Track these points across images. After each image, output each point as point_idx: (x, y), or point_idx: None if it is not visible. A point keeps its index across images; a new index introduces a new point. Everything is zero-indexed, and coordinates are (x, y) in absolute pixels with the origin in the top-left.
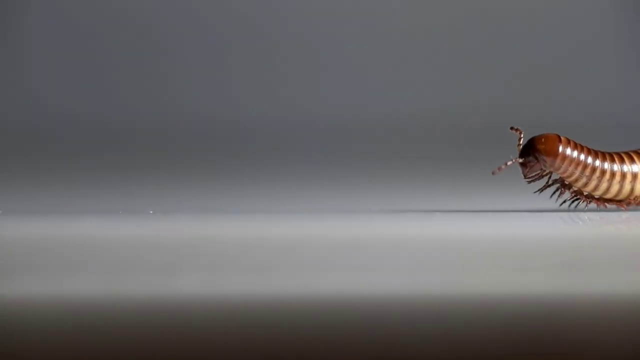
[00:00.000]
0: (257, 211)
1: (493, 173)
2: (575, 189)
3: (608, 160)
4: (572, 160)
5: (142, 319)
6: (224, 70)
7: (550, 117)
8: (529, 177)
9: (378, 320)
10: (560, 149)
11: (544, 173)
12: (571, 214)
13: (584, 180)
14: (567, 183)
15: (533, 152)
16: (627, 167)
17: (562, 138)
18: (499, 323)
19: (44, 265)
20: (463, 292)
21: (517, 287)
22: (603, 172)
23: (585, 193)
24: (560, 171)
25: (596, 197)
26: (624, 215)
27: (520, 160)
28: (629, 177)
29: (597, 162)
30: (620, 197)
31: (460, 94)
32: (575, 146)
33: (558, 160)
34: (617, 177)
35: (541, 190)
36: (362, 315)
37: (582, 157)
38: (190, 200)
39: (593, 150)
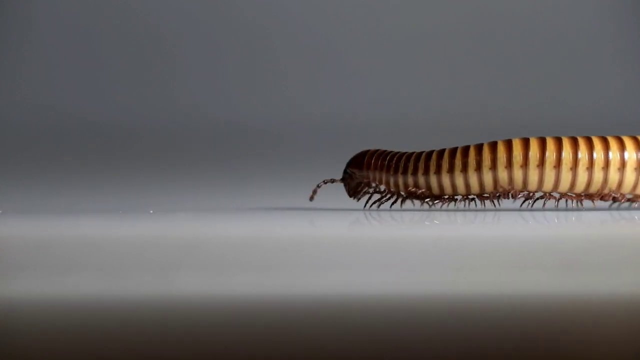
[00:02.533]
0: (257, 211)
1: (310, 199)
2: (404, 191)
3: (413, 160)
4: (377, 166)
5: (142, 318)
6: (224, 70)
7: (550, 117)
8: (352, 194)
9: (377, 320)
10: (365, 160)
11: (361, 186)
12: (569, 213)
13: (397, 180)
14: (391, 190)
15: (346, 169)
16: (441, 163)
17: (370, 151)
18: (498, 323)
19: (44, 265)
20: (462, 292)
21: (516, 288)
22: (406, 169)
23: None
24: (372, 179)
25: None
26: (608, 214)
27: (339, 180)
28: (444, 172)
29: (401, 163)
30: (446, 193)
31: (461, 95)
32: (380, 155)
33: (365, 170)
34: (432, 171)
35: (373, 197)
36: (362, 315)
37: (387, 162)
38: (190, 200)
39: (400, 153)
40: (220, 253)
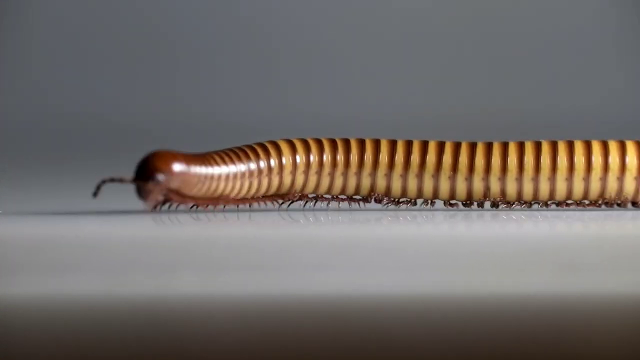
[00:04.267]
0: (256, 211)
1: (94, 195)
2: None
3: (228, 161)
4: (191, 172)
5: (141, 318)
6: (224, 71)
7: (550, 117)
8: (150, 202)
9: (377, 321)
10: (178, 165)
11: (163, 191)
12: (569, 213)
13: (208, 185)
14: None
15: (150, 175)
16: (254, 165)
17: (176, 154)
18: (497, 323)
19: (44, 265)
20: (462, 293)
21: (515, 288)
22: (227, 176)
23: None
24: (183, 186)
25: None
26: (607, 214)
27: (138, 184)
28: (255, 173)
29: (217, 168)
30: (266, 192)
31: (460, 95)
32: (190, 158)
33: (180, 178)
34: (247, 175)
35: (156, 205)
36: (360, 315)
37: (201, 168)
38: None
39: (211, 155)
40: (219, 253)
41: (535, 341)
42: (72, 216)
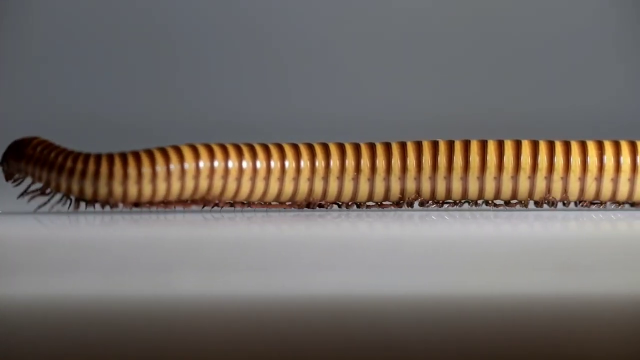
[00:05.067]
0: (256, 211)
1: None
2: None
3: (80, 162)
4: (36, 164)
5: (141, 319)
6: (224, 70)
7: (550, 117)
8: (11, 180)
9: (377, 321)
10: (22, 154)
11: (22, 176)
12: (568, 213)
13: (54, 183)
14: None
15: (3, 157)
16: (104, 168)
17: (34, 142)
18: (497, 324)
19: (44, 265)
20: (462, 293)
21: (514, 288)
22: (71, 172)
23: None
24: (29, 174)
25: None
26: (606, 215)
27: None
28: (104, 178)
29: (67, 165)
30: (117, 199)
31: (460, 95)
32: (43, 150)
33: (22, 165)
34: (82, 178)
35: (24, 194)
36: (360, 315)
37: (48, 160)
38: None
39: (67, 151)
40: (219, 253)
41: (535, 341)
42: (72, 216)
